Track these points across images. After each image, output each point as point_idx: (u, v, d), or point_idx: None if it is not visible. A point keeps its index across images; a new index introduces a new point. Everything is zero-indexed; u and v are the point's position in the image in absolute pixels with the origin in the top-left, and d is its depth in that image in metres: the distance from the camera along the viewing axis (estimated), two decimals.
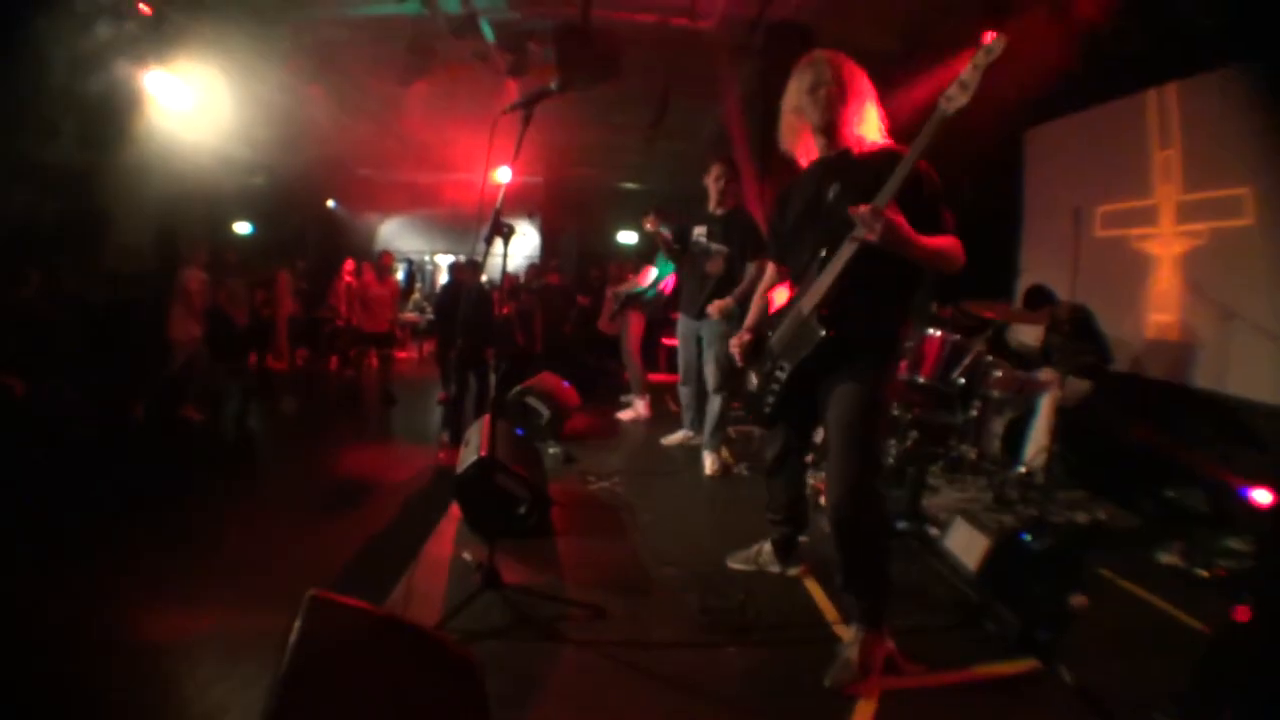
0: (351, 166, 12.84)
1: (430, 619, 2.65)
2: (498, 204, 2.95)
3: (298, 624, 1.54)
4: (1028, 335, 5.61)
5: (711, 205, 5.07)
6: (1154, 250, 5.87)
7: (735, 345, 2.84)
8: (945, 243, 2.40)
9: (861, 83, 2.60)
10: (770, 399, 2.68)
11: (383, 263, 8.48)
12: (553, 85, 3.12)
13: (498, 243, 2.93)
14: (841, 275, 2.39)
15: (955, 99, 2.20)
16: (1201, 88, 5.42)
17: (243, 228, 11.27)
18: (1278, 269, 4.71)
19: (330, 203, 13.43)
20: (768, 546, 3.34)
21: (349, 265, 9.34)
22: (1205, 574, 3.75)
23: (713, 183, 5.01)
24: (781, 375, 2.62)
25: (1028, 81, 6.62)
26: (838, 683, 2.42)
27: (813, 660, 2.53)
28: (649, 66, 7.85)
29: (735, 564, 3.40)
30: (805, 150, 2.70)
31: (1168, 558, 3.92)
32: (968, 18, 6.00)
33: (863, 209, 2.21)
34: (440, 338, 7.63)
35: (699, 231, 5.12)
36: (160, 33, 5.89)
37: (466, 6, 6.96)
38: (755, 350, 2.80)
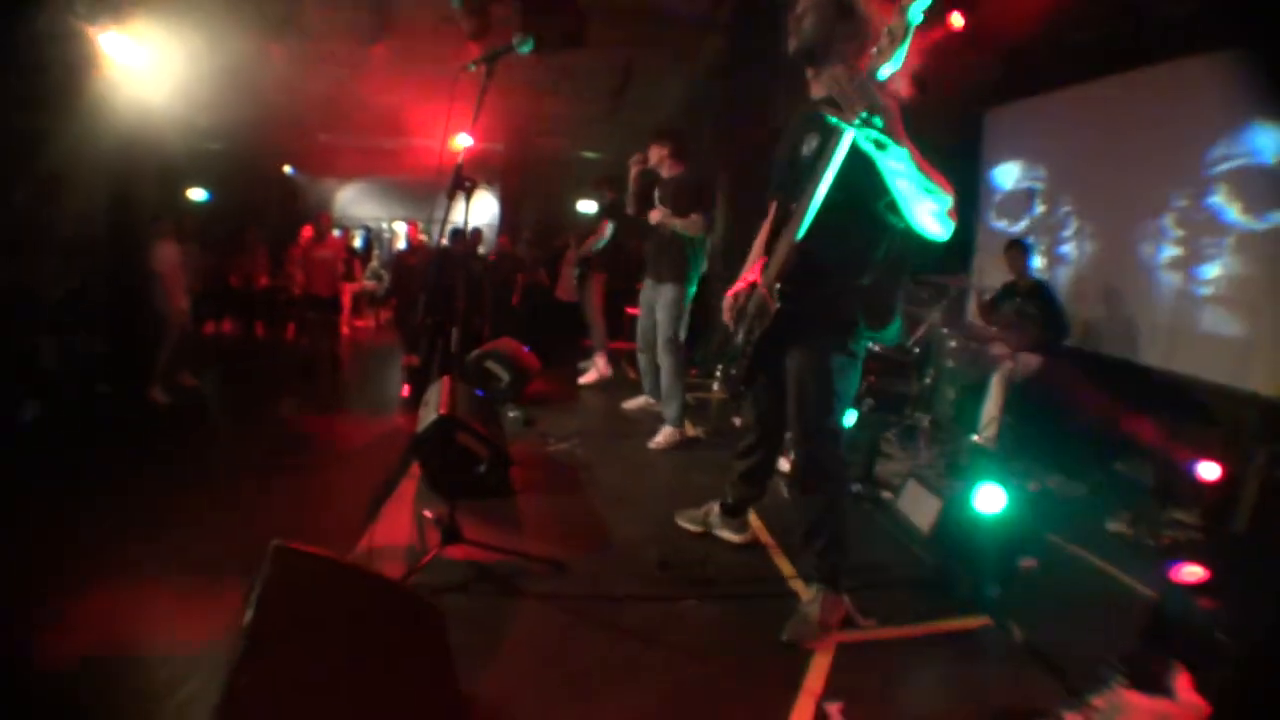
0: (310, 131, 12.51)
1: (393, 574, 2.64)
2: (459, 160, 2.90)
3: (263, 571, 1.53)
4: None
5: (662, 171, 5.08)
6: (1111, 233, 6.05)
7: (727, 300, 2.73)
8: (936, 177, 2.10)
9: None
10: (735, 369, 2.67)
11: (320, 224, 8.34)
12: (515, 43, 3.08)
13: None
14: (797, 245, 2.33)
15: (883, 53, 1.94)
16: (1154, 79, 5.57)
17: (198, 194, 10.92)
18: (1229, 253, 4.90)
19: (288, 168, 13.09)
20: (717, 508, 3.34)
21: (307, 232, 9.16)
22: (1151, 543, 3.93)
23: (656, 162, 5.06)
24: (744, 344, 2.60)
25: (991, 62, 6.75)
26: (795, 637, 2.47)
27: (771, 615, 2.59)
28: (613, 37, 7.80)
29: (684, 522, 3.41)
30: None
31: (1115, 526, 4.10)
32: None
33: (850, 71, 2.00)
34: (400, 303, 7.54)
35: (655, 196, 5.14)
36: None
37: None
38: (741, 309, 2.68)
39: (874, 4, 2.27)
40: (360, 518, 3.33)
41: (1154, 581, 2.86)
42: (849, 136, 2.07)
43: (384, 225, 14.89)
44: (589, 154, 13.91)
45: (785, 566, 3.12)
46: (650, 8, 7.35)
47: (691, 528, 3.38)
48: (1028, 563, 3.21)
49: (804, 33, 2.35)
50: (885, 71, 1.94)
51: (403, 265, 8.89)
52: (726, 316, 2.72)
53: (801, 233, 2.30)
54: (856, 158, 2.10)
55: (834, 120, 2.02)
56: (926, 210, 2.12)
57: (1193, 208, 5.19)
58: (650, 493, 3.98)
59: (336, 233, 11.01)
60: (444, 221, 3.13)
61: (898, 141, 1.97)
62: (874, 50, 1.94)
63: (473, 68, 3.07)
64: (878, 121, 1.93)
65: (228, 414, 5.97)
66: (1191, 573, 2.51)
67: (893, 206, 2.20)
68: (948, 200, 2.11)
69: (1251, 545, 3.92)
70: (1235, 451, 4.28)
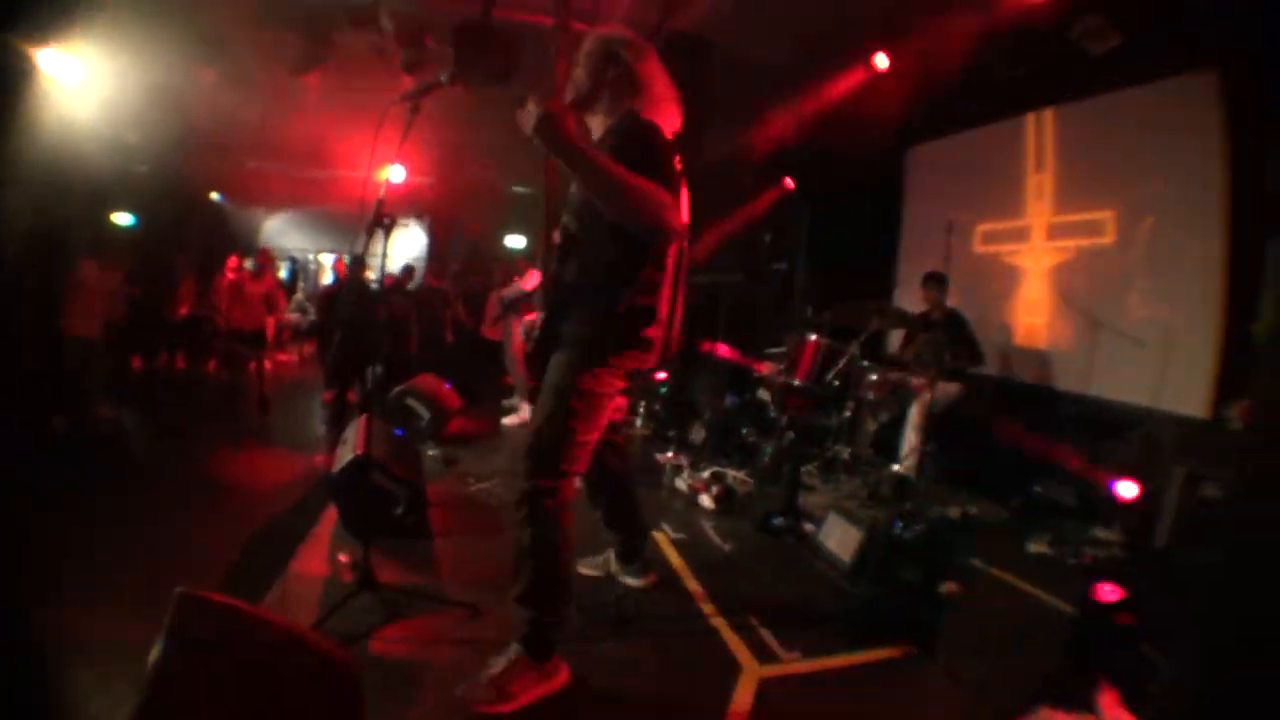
0: (239, 158, 12.22)
1: (306, 620, 2.56)
2: (380, 195, 2.88)
3: (166, 621, 1.49)
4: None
5: None
6: (1025, 265, 6.32)
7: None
8: (626, 174, 2.08)
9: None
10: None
11: (259, 260, 8.13)
12: (442, 78, 3.07)
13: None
14: (551, 266, 2.41)
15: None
16: (1077, 114, 5.90)
17: (123, 218, 10.56)
18: (1135, 284, 5.20)
19: (215, 195, 12.77)
20: (612, 554, 3.25)
21: (233, 262, 8.91)
22: (1073, 561, 4.08)
23: None
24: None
25: (912, 101, 7.01)
26: (466, 696, 2.24)
27: (689, 653, 2.61)
28: (545, 69, 7.86)
29: (584, 569, 3.28)
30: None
31: (1037, 547, 4.24)
32: (859, 37, 6.31)
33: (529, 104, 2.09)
34: (322, 338, 7.37)
35: None
36: (54, 5, 5.48)
37: None
38: None
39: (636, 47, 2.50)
40: (275, 560, 3.23)
41: (1076, 600, 2.89)
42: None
43: (310, 257, 14.61)
44: (519, 188, 13.90)
45: (705, 605, 3.12)
46: (583, 40, 7.43)
47: (593, 573, 3.28)
48: (950, 588, 3.30)
49: (577, 86, 2.49)
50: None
51: (327, 299, 8.71)
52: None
53: (554, 262, 2.39)
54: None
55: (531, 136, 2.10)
56: (626, 211, 2.13)
57: (1106, 238, 5.50)
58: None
59: (249, 263, 10.77)
60: (360, 257, 3.10)
61: (555, 146, 2.06)
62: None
63: (400, 101, 3.07)
64: (543, 133, 2.06)
65: (144, 448, 5.69)
66: (1112, 590, 2.60)
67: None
68: (647, 208, 2.10)
69: (1172, 559, 4.08)
70: (1153, 470, 4.50)
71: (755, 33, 6.94)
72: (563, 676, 2.37)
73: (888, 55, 6.39)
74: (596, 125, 2.50)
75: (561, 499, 2.34)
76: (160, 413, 7.08)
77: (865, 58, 6.57)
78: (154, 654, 1.52)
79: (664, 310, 2.44)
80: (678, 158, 2.34)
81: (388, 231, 2.89)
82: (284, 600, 2.83)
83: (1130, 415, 5.04)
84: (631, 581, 3.20)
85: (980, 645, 2.86)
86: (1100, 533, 4.43)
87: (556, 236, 2.52)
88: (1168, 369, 4.88)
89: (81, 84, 6.02)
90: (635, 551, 3.19)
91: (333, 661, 1.78)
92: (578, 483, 2.47)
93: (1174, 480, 4.24)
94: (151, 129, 8.55)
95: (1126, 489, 4.44)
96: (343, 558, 3.17)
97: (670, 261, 2.43)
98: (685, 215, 2.51)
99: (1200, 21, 4.55)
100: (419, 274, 10.58)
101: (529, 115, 2.05)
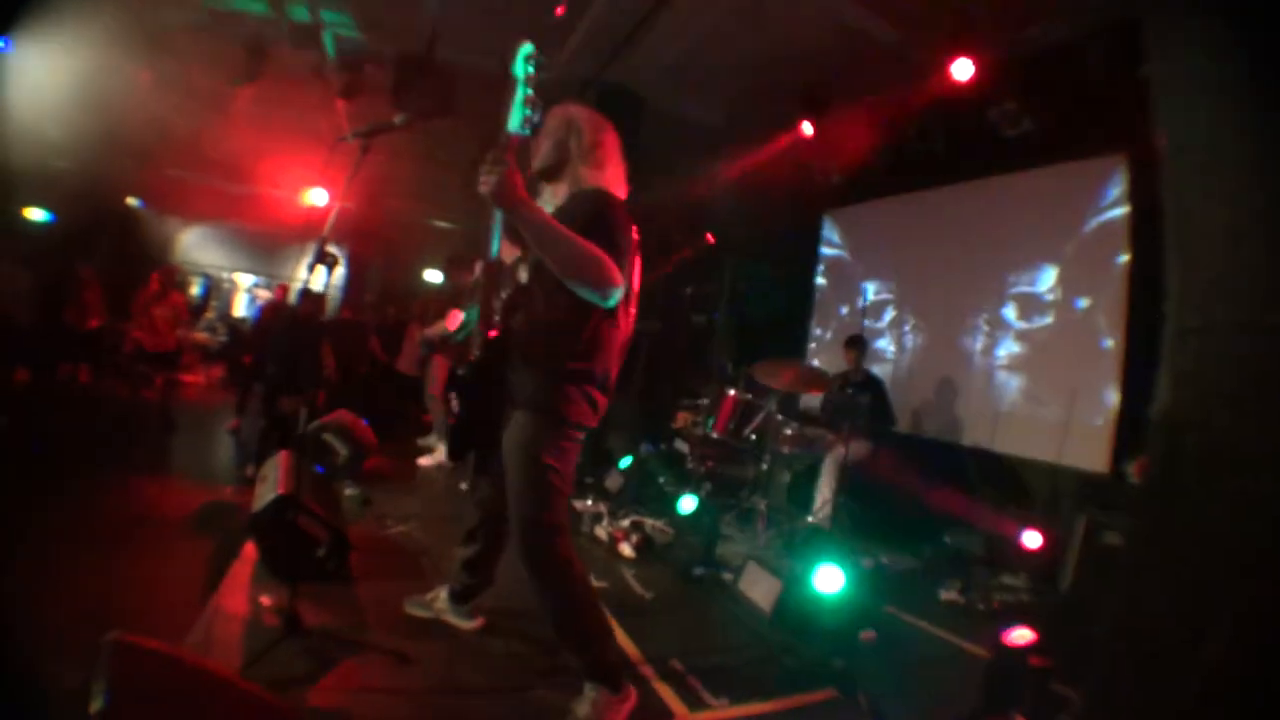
0: (162, 164, 11.73)
1: (232, 665, 2.51)
2: (325, 231, 2.90)
3: (104, 671, 1.46)
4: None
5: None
6: (935, 330, 6.78)
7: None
8: (576, 240, 2.20)
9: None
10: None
11: (169, 275, 7.85)
12: (398, 120, 3.13)
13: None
14: (495, 321, 2.48)
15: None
16: (987, 189, 6.39)
17: (37, 213, 9.99)
18: (1046, 342, 5.66)
19: (132, 200, 12.22)
20: (444, 594, 3.22)
21: (156, 277, 8.52)
22: (983, 607, 4.34)
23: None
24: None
25: (834, 167, 7.40)
26: None
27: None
28: (480, 108, 7.93)
29: (412, 609, 3.25)
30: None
31: (948, 595, 4.48)
32: (786, 102, 6.65)
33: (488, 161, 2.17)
34: (254, 364, 7.14)
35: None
36: None
37: (314, 18, 6.76)
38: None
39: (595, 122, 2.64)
40: (192, 598, 3.13)
41: (990, 643, 3.04)
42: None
43: (225, 275, 14.08)
44: (441, 222, 13.82)
45: (631, 652, 3.18)
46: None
47: (421, 614, 3.24)
48: (867, 635, 3.47)
49: (542, 155, 2.66)
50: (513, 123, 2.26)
51: (260, 326, 8.38)
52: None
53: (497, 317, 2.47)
54: None
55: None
56: (569, 272, 2.23)
57: (1012, 302, 5.99)
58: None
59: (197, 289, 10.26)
60: (306, 288, 3.11)
61: (504, 206, 2.19)
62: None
63: (350, 139, 3.11)
64: (495, 195, 2.17)
65: (40, 469, 5.36)
66: (1022, 635, 2.80)
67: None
68: (595, 273, 2.22)
69: (1077, 601, 4.39)
70: (1055, 519, 4.88)
71: (685, 92, 7.22)
72: (632, 693, 2.50)
73: (812, 123, 6.74)
74: (560, 192, 2.63)
75: (564, 550, 2.44)
76: (59, 429, 6.72)
77: (790, 123, 6.90)
78: (95, 705, 1.48)
79: (613, 372, 2.54)
80: (634, 226, 2.47)
81: (331, 268, 2.92)
82: (206, 643, 2.74)
83: (1034, 469, 5.49)
84: (460, 623, 3.17)
85: (900, 689, 3.03)
86: (1008, 579, 4.73)
87: (479, 270, 2.60)
88: (1070, 427, 5.30)
89: (6, 67, 5.72)
90: (471, 595, 3.17)
91: (276, 712, 1.78)
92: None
93: (1077, 529, 4.58)
94: (76, 123, 8.16)
95: (1032, 538, 4.79)
96: (264, 600, 3.10)
97: (620, 323, 2.54)
98: (636, 281, 2.62)
99: (1107, 109, 5.01)
100: (333, 300, 10.31)
101: (487, 179, 2.15)
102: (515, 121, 2.33)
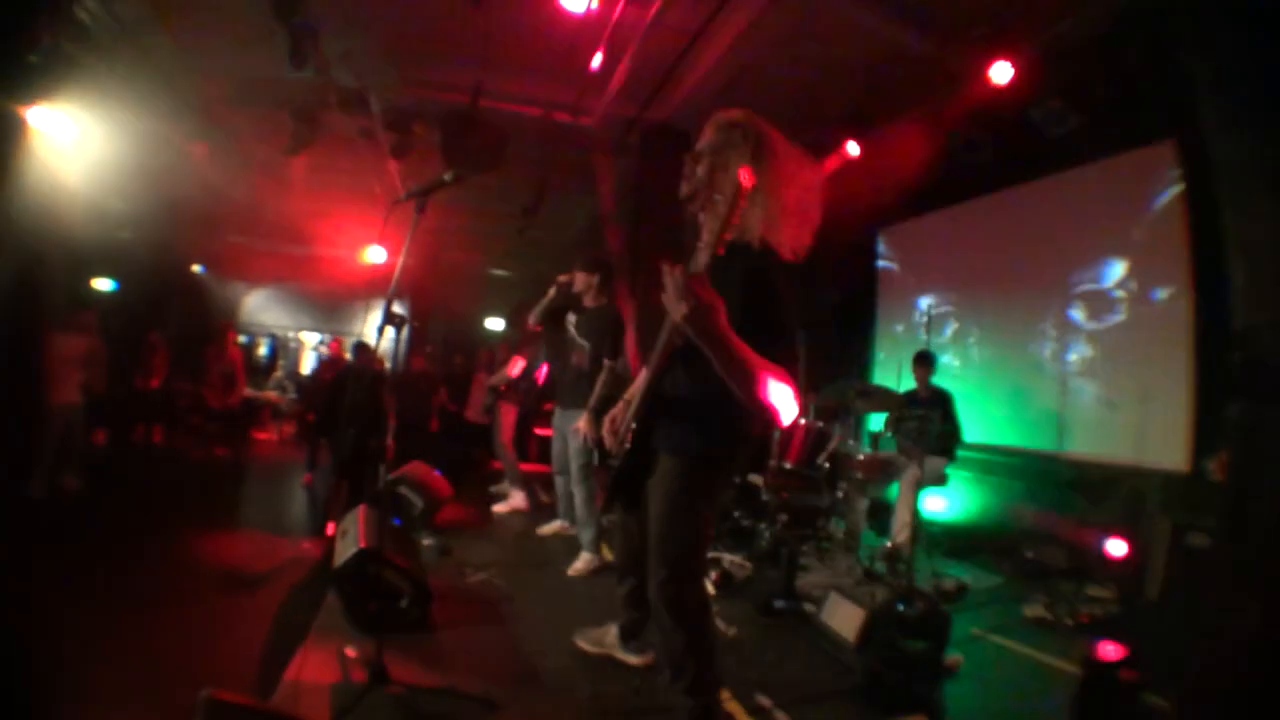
0: (223, 231, 12.30)
1: (320, 719, 2.53)
2: (390, 293, 2.97)
3: None
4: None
5: (586, 300, 5.02)
6: (1001, 337, 6.66)
7: (607, 421, 2.70)
8: (756, 364, 1.91)
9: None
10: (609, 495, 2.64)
11: (223, 339, 8.13)
12: (447, 177, 3.20)
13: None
14: (650, 389, 2.37)
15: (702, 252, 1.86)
16: (1039, 192, 6.27)
17: (104, 284, 10.43)
18: (1119, 339, 5.49)
19: (197, 267, 12.79)
20: (615, 631, 3.29)
21: (232, 336, 8.87)
22: (1070, 622, 4.17)
23: (581, 288, 4.97)
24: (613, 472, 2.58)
25: (885, 186, 7.33)
26: None
27: None
28: (528, 157, 8.10)
29: (582, 643, 3.38)
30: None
31: (1033, 611, 4.33)
32: (831, 126, 6.63)
33: (675, 270, 1.82)
34: (317, 422, 7.33)
35: (572, 320, 5.10)
36: (51, 66, 5.54)
37: (359, 80, 7.02)
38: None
39: (781, 150, 2.26)
40: (280, 654, 3.17)
41: (1079, 660, 2.91)
42: None
43: (290, 334, 14.57)
44: (499, 271, 14.09)
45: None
46: (565, 131, 7.70)
47: (589, 649, 3.34)
48: (954, 659, 3.37)
49: (697, 181, 2.30)
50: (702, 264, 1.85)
51: (318, 380, 8.64)
52: (607, 441, 2.67)
53: (653, 383, 2.36)
54: None
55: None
56: (747, 396, 1.94)
57: (1079, 302, 5.83)
58: (573, 622, 3.81)
59: (243, 338, 10.63)
60: (357, 344, 3.15)
61: (707, 341, 1.86)
62: (700, 245, 1.86)
63: (405, 199, 3.20)
64: (690, 327, 1.85)
65: (120, 528, 5.54)
66: (1114, 649, 2.69)
67: None
68: (780, 389, 1.94)
69: (1166, 608, 4.22)
70: (1139, 525, 4.68)
71: None
72: None
73: (858, 144, 6.70)
74: (710, 225, 2.12)
75: (702, 594, 2.44)
76: (134, 489, 6.96)
77: (836, 146, 6.87)
78: None
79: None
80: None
81: (399, 329, 3.00)
82: (296, 698, 2.78)
83: (1114, 473, 5.25)
84: (629, 658, 3.24)
85: (988, 711, 2.95)
86: (1093, 591, 4.55)
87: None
88: (1148, 426, 5.09)
89: (71, 144, 6.05)
90: (638, 629, 3.22)
91: None
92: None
93: (1160, 533, 4.38)
94: (137, 195, 8.59)
95: (1116, 546, 4.60)
96: (350, 652, 3.14)
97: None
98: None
99: (1153, 94, 4.87)
100: (398, 355, 10.50)
101: (673, 300, 1.83)
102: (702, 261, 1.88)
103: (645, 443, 2.42)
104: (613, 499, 2.61)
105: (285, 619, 3.65)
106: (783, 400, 1.95)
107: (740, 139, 2.25)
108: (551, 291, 5.36)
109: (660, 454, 2.41)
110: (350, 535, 3.69)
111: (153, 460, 8.69)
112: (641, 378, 2.45)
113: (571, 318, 5.11)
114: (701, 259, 1.85)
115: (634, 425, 2.44)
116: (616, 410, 2.71)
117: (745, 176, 1.71)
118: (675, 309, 1.83)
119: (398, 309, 2.94)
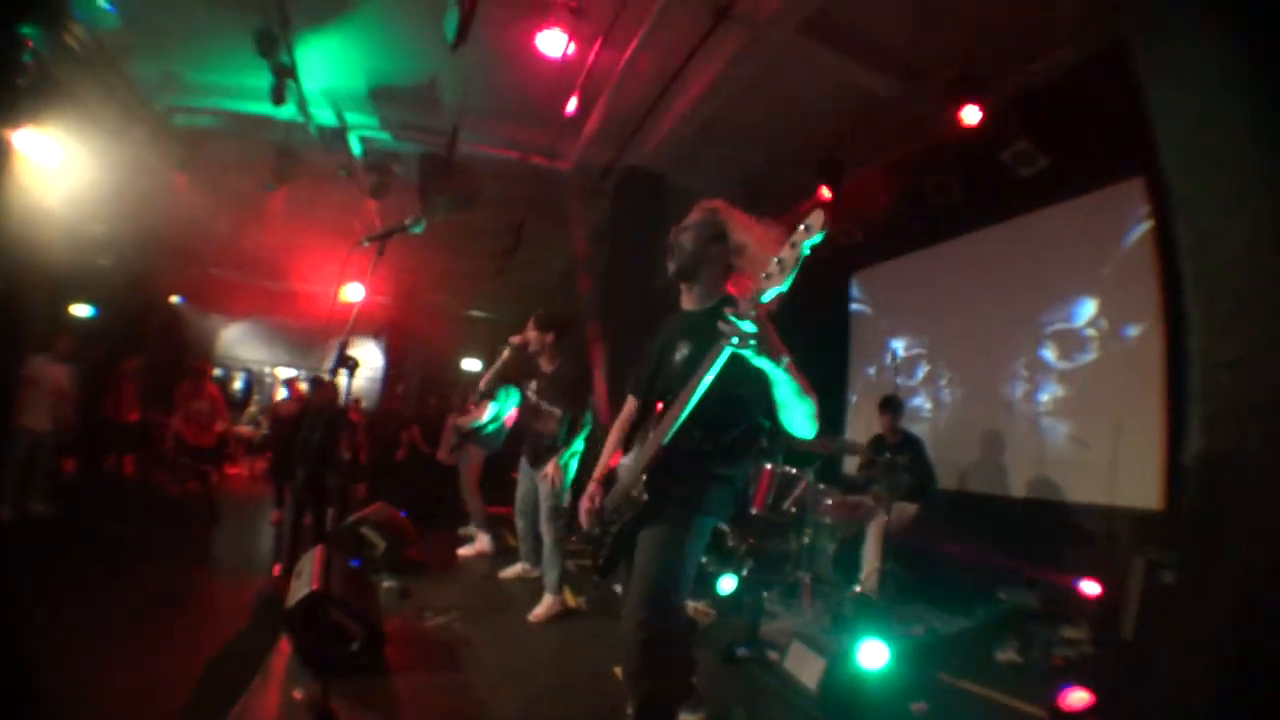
0: (203, 263, 12.32)
1: None
2: (345, 335, 2.99)
3: None
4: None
5: (541, 363, 4.97)
6: (971, 379, 6.69)
7: (585, 503, 2.70)
8: (806, 384, 2.17)
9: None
10: (604, 553, 2.60)
11: (198, 374, 8.06)
12: (407, 223, 3.24)
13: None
14: (666, 445, 2.36)
15: (772, 278, 1.98)
16: (1008, 233, 6.34)
17: (82, 310, 10.26)
18: (1088, 378, 5.52)
19: (174, 298, 12.72)
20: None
21: (209, 369, 8.77)
22: (1043, 665, 4.15)
23: (536, 348, 4.93)
24: (612, 533, 2.56)
25: (856, 231, 7.43)
26: None
27: None
28: (506, 199, 8.18)
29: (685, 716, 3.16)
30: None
31: (1005, 655, 4.30)
32: (803, 173, 6.73)
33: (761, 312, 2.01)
34: (274, 459, 7.25)
35: (531, 386, 5.04)
36: (37, 89, 5.56)
37: (340, 121, 7.08)
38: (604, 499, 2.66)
39: (755, 232, 2.42)
40: (228, 690, 3.09)
41: (1050, 704, 2.94)
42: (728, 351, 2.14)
43: (266, 369, 14.47)
44: (476, 312, 14.13)
45: None
46: (542, 175, 7.80)
47: None
48: (918, 706, 3.32)
49: (681, 251, 2.55)
50: (771, 295, 1.99)
51: (278, 416, 8.54)
52: (584, 520, 2.69)
53: (672, 433, 2.34)
54: (735, 366, 2.15)
55: (734, 344, 2.04)
56: (800, 415, 2.21)
57: (1050, 341, 5.88)
58: (533, 669, 3.83)
59: (218, 371, 10.52)
60: (313, 380, 3.16)
61: (777, 362, 2.05)
62: (763, 275, 1.99)
63: (366, 243, 3.23)
64: (759, 346, 2.01)
65: (86, 557, 5.43)
66: (1079, 697, 2.66)
67: (769, 411, 2.29)
68: (813, 405, 2.20)
69: (1140, 647, 4.12)
70: (1112, 564, 4.66)
71: (703, 167, 7.36)
72: None
73: (830, 189, 6.80)
74: (690, 296, 2.63)
75: (681, 624, 2.50)
76: (103, 519, 6.85)
77: (809, 191, 6.96)
78: None
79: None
80: None
81: (352, 371, 3.02)
82: None
83: (1085, 513, 5.28)
84: (686, 716, 3.10)
85: None
86: (1068, 632, 4.51)
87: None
88: (1120, 464, 5.12)
89: (55, 167, 6.07)
90: (690, 689, 3.11)
91: None
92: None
93: (1135, 571, 4.36)
94: (119, 222, 8.58)
95: (1090, 586, 4.59)
96: (297, 694, 3.06)
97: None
98: None
99: (1120, 134, 4.82)
100: (370, 391, 10.49)
101: (736, 325, 1.99)
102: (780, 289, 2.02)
103: (657, 497, 2.41)
104: (615, 563, 2.59)
105: (233, 658, 3.56)
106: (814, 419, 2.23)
107: (720, 218, 2.52)
108: (506, 353, 5.33)
109: (664, 501, 2.41)
110: (304, 575, 3.63)
111: (122, 491, 8.57)
112: (653, 435, 2.42)
113: (532, 384, 5.04)
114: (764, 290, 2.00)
115: (644, 478, 2.42)
116: (592, 489, 2.69)
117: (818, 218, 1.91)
118: (764, 345, 2.01)
119: (352, 352, 2.95)
